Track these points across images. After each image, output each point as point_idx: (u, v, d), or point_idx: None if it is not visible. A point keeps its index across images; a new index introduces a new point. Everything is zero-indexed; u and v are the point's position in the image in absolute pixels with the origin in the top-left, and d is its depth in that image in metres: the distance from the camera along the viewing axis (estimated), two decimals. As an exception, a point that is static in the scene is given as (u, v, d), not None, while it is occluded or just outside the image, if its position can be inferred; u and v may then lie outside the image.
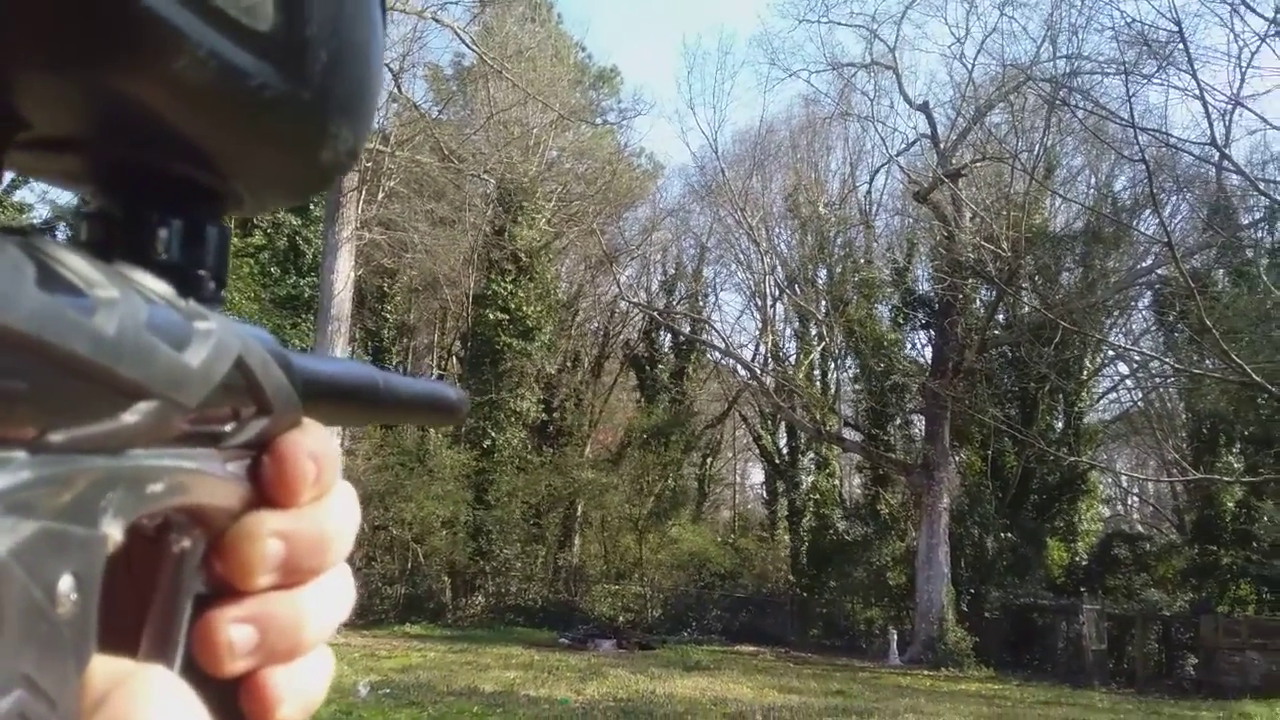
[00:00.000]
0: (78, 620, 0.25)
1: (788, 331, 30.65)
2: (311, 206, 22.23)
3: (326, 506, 0.36)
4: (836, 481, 28.00)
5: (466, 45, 22.30)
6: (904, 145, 25.73)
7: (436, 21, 20.86)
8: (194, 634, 0.32)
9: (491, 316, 25.04)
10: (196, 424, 0.30)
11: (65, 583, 0.24)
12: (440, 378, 28.21)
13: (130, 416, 0.27)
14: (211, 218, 0.35)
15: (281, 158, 0.36)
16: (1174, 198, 21.11)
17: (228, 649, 0.32)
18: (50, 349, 0.23)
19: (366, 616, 21.76)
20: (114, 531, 0.27)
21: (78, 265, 0.25)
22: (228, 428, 0.33)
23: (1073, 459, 20.98)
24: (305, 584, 0.35)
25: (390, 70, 21.82)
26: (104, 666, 0.28)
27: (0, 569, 0.22)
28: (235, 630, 0.32)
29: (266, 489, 0.34)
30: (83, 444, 0.25)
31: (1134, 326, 25.52)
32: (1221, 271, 21.24)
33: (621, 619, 23.81)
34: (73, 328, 0.24)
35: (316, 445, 0.35)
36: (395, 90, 22.90)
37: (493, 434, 24.66)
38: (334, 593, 0.36)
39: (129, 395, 0.26)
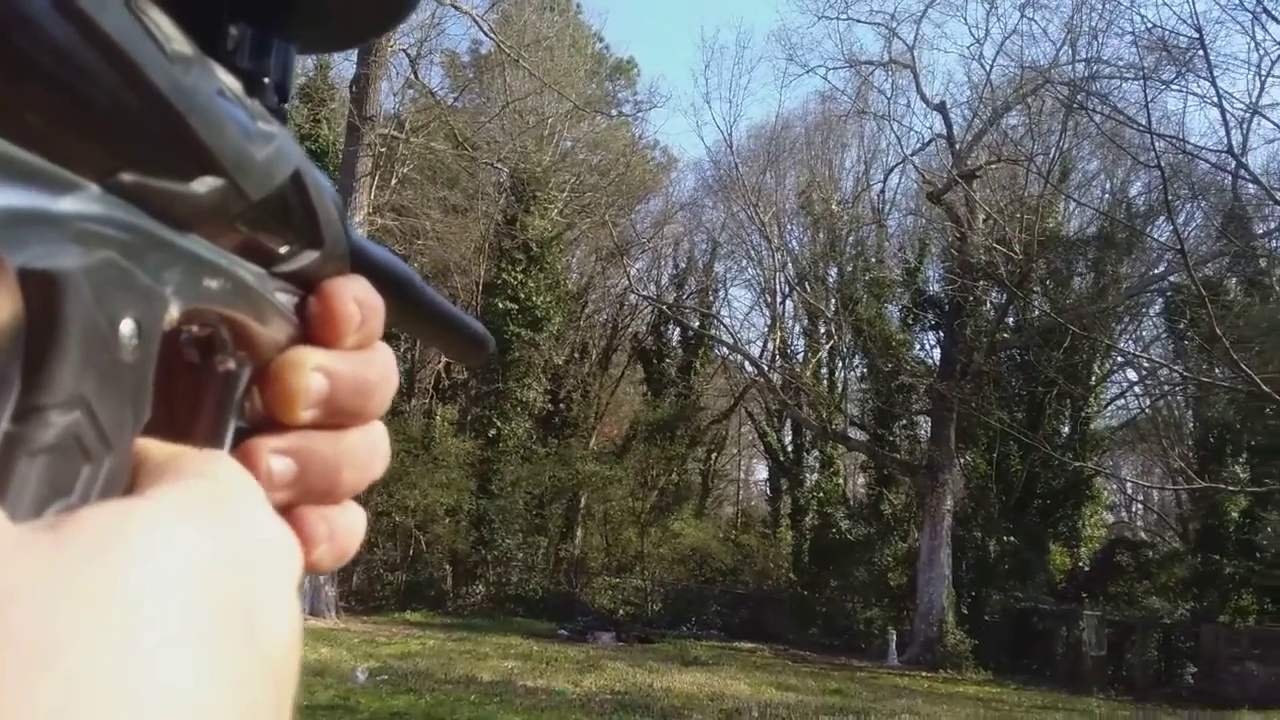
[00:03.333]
0: (138, 369, 0.24)
1: (796, 329, 30.61)
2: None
3: (369, 355, 0.36)
4: (840, 480, 27.93)
5: (484, 33, 22.33)
6: (919, 145, 25.71)
7: (455, 8, 20.86)
8: None
9: (501, 305, 25.01)
10: (253, 230, 0.30)
11: (127, 326, 0.24)
12: (447, 364, 28.02)
13: (198, 187, 0.26)
14: (279, 32, 0.34)
15: None
16: (1189, 205, 20.98)
17: (266, 478, 0.32)
18: (131, 67, 0.22)
19: (366, 602, 21.80)
20: (174, 304, 0.26)
21: (162, 19, 0.24)
22: (281, 250, 0.32)
23: (1078, 464, 20.87)
24: (345, 428, 0.35)
25: (407, 55, 21.83)
26: (170, 447, 0.28)
27: (68, 281, 0.21)
28: (275, 460, 0.32)
29: (311, 328, 0.35)
30: (151, 197, 0.25)
31: (1144, 333, 25.39)
32: (1234, 280, 21.12)
33: (621, 612, 23.83)
34: (153, 57, 0.23)
35: (362, 292, 0.36)
36: (412, 76, 22.91)
37: (498, 423, 24.67)
38: (372, 444, 0.36)
39: (198, 161, 0.25)
